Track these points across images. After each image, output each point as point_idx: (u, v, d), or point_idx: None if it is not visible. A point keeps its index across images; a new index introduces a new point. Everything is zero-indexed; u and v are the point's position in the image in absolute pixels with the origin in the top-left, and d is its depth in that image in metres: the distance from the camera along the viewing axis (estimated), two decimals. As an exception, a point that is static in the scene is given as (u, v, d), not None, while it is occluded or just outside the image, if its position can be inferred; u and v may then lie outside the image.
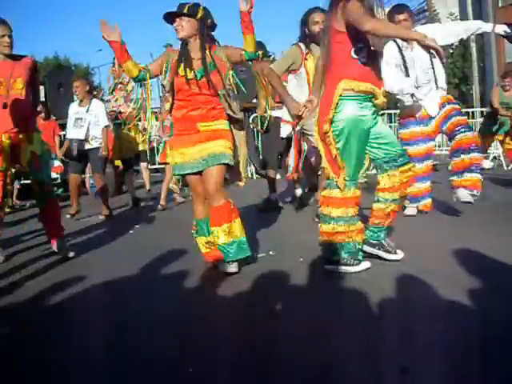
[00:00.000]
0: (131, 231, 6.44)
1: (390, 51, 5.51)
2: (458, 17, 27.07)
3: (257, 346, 2.79)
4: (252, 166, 12.66)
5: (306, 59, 5.59)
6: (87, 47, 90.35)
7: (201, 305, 3.58)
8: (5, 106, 4.69)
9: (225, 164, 4.17)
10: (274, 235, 5.47)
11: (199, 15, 4.13)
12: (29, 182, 10.31)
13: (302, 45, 5.67)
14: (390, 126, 18.71)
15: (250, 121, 13.01)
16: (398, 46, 5.66)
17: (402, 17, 5.50)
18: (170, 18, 4.18)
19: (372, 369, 2.41)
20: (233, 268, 4.17)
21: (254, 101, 13.04)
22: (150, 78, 4.30)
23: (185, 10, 4.10)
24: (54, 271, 4.66)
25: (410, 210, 6.24)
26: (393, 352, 2.59)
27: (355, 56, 3.83)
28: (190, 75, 4.13)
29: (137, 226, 6.74)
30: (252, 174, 12.73)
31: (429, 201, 6.25)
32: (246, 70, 14.36)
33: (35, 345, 2.97)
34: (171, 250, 4.98)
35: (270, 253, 4.76)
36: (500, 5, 26.41)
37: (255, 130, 13.11)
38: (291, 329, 3.00)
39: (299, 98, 5.01)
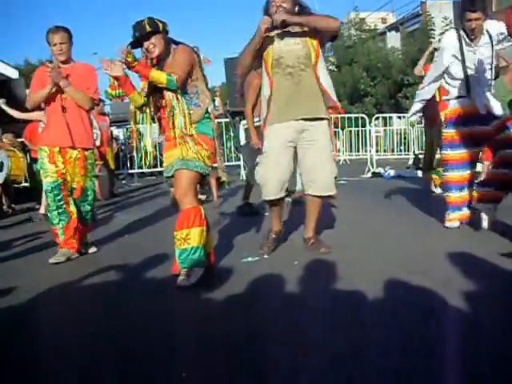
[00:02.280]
0: (126, 235, 6.41)
1: (449, 39, 5.35)
2: (452, 21, 27.14)
3: (248, 350, 2.76)
4: (247, 169, 12.67)
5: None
6: (82, 50, 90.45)
7: (192, 309, 3.55)
8: (64, 110, 5.10)
9: (192, 170, 4.09)
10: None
11: (161, 27, 4.06)
12: (25, 185, 10.47)
13: None
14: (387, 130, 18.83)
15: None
16: (459, 37, 5.29)
17: (474, 16, 5.08)
18: (136, 43, 4.10)
19: (367, 373, 2.39)
20: (181, 280, 3.94)
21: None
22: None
23: (148, 29, 4.00)
24: (49, 273, 4.63)
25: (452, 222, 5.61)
26: (389, 355, 2.57)
27: None
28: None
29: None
30: (247, 177, 12.68)
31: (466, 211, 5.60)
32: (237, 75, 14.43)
33: (25, 344, 2.95)
34: (166, 252, 4.95)
35: (265, 256, 4.74)
36: (494, 9, 26.51)
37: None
38: (284, 333, 2.98)
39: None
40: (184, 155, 4.08)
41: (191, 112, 4.15)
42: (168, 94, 4.09)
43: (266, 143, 4.80)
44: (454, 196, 5.52)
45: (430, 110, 9.10)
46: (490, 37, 5.15)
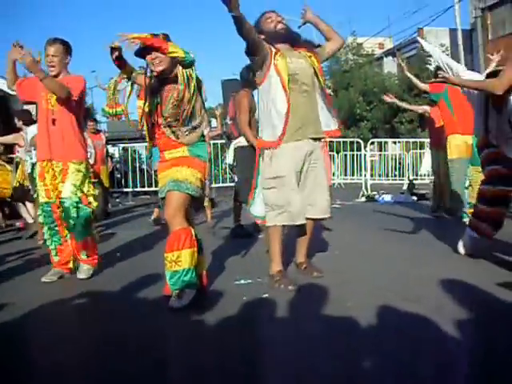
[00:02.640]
0: (118, 254, 6.38)
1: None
2: (449, 48, 27.37)
3: (240, 374, 2.75)
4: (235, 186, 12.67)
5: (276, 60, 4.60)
6: (81, 67, 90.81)
7: (184, 331, 3.53)
8: (54, 122, 4.98)
9: (183, 192, 4.04)
10: (263, 260, 5.40)
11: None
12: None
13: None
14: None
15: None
16: None
17: None
18: (143, 51, 4.03)
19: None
20: (173, 302, 3.90)
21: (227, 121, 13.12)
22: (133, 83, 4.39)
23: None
24: (41, 290, 4.61)
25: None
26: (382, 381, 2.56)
27: None
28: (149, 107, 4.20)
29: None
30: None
31: None
32: (236, 94, 14.51)
33: (14, 362, 2.93)
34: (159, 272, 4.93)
35: (258, 279, 4.71)
36: (490, 37, 26.72)
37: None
38: (277, 358, 2.97)
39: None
40: (176, 177, 4.06)
41: (186, 134, 4.15)
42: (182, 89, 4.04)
43: (283, 164, 4.55)
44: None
45: (435, 133, 9.17)
46: None
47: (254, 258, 5.64)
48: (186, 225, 4.04)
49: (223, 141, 14.10)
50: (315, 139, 4.68)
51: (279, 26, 4.62)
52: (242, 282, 4.65)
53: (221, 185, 14.76)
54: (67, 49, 5.07)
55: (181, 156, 4.15)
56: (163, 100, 4.14)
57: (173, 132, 4.15)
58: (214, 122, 22.94)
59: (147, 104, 4.19)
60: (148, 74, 4.15)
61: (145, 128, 4.28)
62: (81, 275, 5.07)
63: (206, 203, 8.75)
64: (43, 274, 5.06)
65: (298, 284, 4.42)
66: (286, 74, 4.49)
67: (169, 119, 4.15)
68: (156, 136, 4.26)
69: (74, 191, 5.03)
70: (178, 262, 3.92)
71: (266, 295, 4.19)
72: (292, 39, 4.69)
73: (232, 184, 14.01)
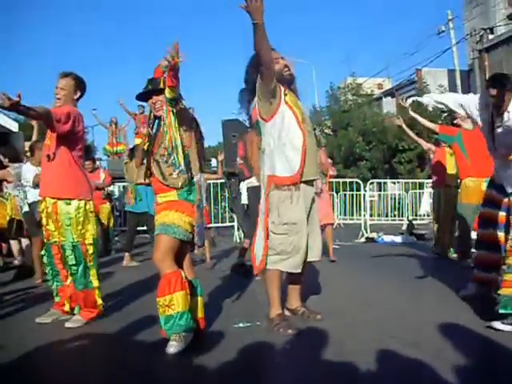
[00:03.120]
0: (120, 297, 6.35)
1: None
2: (447, 89, 27.58)
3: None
4: (240, 230, 12.69)
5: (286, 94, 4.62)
6: (82, 106, 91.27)
7: (183, 375, 3.52)
8: (49, 158, 4.87)
9: (171, 236, 4.03)
10: (262, 303, 5.36)
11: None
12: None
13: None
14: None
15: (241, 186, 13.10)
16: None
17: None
18: (144, 96, 4.21)
19: None
20: (171, 347, 3.85)
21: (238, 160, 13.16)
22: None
23: (162, 86, 4.04)
24: (37, 330, 4.57)
25: None
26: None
27: None
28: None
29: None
30: (240, 239, 12.70)
31: None
32: (237, 135, 14.62)
33: None
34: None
35: (257, 323, 4.68)
36: (488, 77, 26.97)
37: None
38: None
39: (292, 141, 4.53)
40: (164, 220, 4.07)
41: (175, 177, 4.11)
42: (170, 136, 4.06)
43: (296, 210, 4.51)
44: None
45: (438, 173, 9.16)
46: None
47: (254, 300, 5.61)
48: (176, 268, 4.03)
49: (222, 180, 14.18)
50: (313, 181, 4.74)
51: (287, 72, 4.66)
52: (241, 325, 4.62)
53: (220, 224, 14.74)
54: (78, 84, 5.03)
55: (171, 200, 4.14)
56: (157, 141, 4.19)
57: (161, 173, 4.14)
58: (213, 162, 23.11)
59: (146, 143, 4.28)
60: (148, 118, 4.27)
61: (145, 165, 4.31)
62: (67, 323, 4.89)
63: (206, 243, 8.73)
64: (40, 314, 5.04)
65: (297, 328, 4.40)
66: (300, 112, 4.56)
67: (159, 160, 4.15)
68: (152, 177, 4.27)
69: (68, 234, 4.94)
70: (171, 305, 3.90)
71: (265, 339, 4.16)
72: (293, 85, 4.76)
73: (231, 224, 14.06)
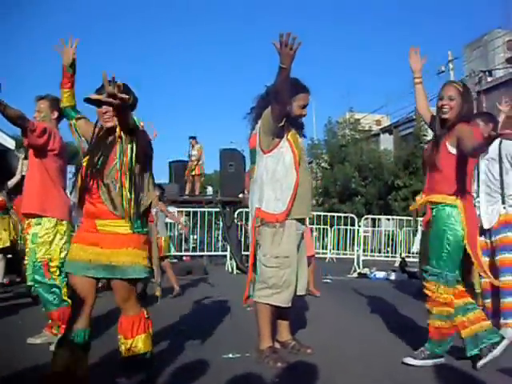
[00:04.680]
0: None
1: None
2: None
3: None
4: (233, 260, 12.67)
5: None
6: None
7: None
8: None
9: (130, 278, 3.54)
10: (253, 335, 5.32)
11: (131, 99, 3.40)
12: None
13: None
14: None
15: (235, 215, 13.13)
16: None
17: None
18: (96, 99, 3.48)
19: None
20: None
21: (240, 195, 13.19)
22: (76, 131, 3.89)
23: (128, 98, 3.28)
24: (26, 351, 4.53)
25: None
26: None
27: None
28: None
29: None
30: (232, 269, 12.66)
31: None
32: (234, 164, 14.70)
33: None
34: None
35: (247, 354, 4.63)
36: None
37: (239, 224, 13.25)
38: None
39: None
40: (121, 261, 3.49)
41: (125, 206, 3.50)
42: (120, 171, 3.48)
43: (287, 243, 4.52)
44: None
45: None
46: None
47: (244, 330, 5.56)
48: (138, 308, 3.70)
49: (217, 209, 14.18)
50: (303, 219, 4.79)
51: (299, 118, 4.74)
52: (231, 355, 4.58)
53: (213, 253, 14.69)
54: (54, 105, 4.99)
55: (121, 233, 3.52)
56: (109, 160, 3.55)
57: (111, 199, 3.50)
58: (209, 189, 23.15)
59: (88, 159, 3.59)
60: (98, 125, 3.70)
61: (78, 186, 3.62)
62: (30, 339, 4.89)
63: (170, 274, 8.68)
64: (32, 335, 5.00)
65: (287, 361, 4.36)
66: (299, 151, 4.59)
67: (110, 184, 3.51)
68: (88, 199, 3.58)
69: (32, 252, 4.92)
70: (134, 348, 3.64)
71: (255, 371, 4.12)
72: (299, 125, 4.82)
73: (224, 253, 13.98)
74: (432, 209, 4.40)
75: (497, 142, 5.30)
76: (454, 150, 4.29)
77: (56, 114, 5.07)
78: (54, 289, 4.92)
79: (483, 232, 5.31)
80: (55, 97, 4.96)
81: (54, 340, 4.84)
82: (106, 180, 3.50)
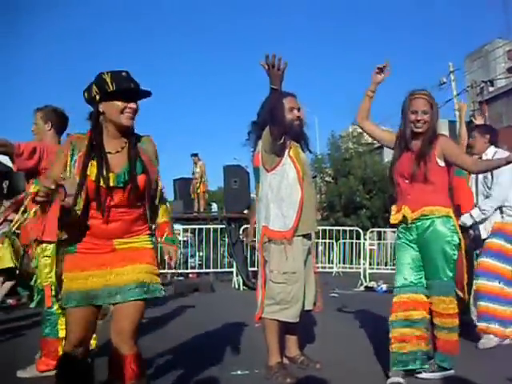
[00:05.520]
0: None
1: None
2: (448, 140, 27.77)
3: None
4: (239, 276, 12.63)
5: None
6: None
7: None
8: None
9: (147, 298, 3.05)
10: (261, 351, 5.30)
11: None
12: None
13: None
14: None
15: (241, 232, 13.10)
16: None
17: None
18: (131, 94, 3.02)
19: None
20: None
21: (246, 211, 13.17)
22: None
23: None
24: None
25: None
26: None
27: None
28: (107, 182, 2.97)
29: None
30: (239, 285, 12.62)
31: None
32: (238, 180, 14.71)
33: None
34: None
35: (256, 371, 4.61)
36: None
37: (245, 240, 13.20)
38: None
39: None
40: (142, 278, 3.06)
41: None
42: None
43: (295, 259, 4.51)
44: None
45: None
46: None
47: (252, 347, 5.52)
48: (136, 347, 3.05)
49: (223, 226, 14.17)
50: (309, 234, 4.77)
51: (297, 123, 4.70)
52: (239, 372, 4.57)
53: (219, 270, 14.65)
54: (47, 116, 4.86)
55: (141, 247, 3.14)
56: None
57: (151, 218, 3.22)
58: (214, 206, 23.13)
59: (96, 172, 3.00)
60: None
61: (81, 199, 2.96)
62: (19, 371, 4.56)
63: None
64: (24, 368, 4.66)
65: (296, 377, 4.34)
66: (302, 166, 4.60)
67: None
68: (96, 217, 3.04)
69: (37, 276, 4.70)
70: None
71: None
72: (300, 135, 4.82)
73: (230, 269, 13.94)
74: (425, 220, 4.39)
75: (491, 152, 5.45)
76: (442, 163, 4.35)
77: (50, 124, 4.85)
78: (52, 316, 4.63)
79: (479, 244, 5.50)
80: (51, 108, 4.90)
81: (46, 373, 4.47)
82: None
